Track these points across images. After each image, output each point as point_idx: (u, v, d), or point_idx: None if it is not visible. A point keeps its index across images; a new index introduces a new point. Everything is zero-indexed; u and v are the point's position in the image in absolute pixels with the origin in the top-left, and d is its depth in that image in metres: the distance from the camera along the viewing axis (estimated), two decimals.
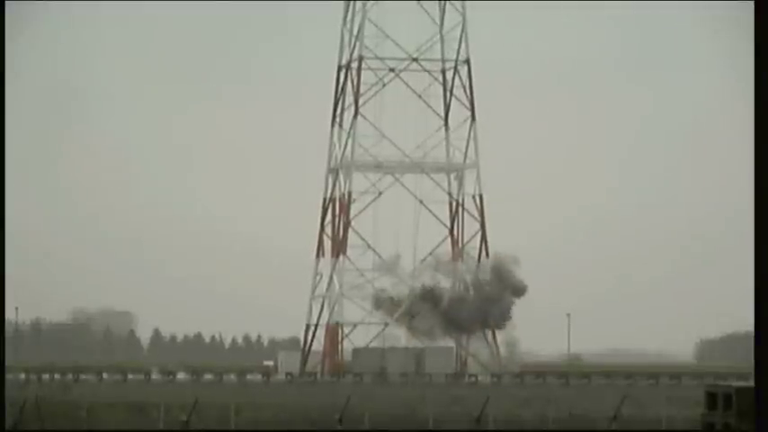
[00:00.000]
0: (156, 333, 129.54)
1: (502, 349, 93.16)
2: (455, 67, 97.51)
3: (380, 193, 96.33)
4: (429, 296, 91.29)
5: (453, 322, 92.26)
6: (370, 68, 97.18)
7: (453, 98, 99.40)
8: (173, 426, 40.29)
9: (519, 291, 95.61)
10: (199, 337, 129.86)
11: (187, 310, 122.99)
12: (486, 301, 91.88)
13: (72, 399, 57.71)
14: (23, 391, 60.28)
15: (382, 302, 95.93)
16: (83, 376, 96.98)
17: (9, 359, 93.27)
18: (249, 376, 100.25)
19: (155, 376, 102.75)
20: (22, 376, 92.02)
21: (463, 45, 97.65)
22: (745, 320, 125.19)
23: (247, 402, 53.50)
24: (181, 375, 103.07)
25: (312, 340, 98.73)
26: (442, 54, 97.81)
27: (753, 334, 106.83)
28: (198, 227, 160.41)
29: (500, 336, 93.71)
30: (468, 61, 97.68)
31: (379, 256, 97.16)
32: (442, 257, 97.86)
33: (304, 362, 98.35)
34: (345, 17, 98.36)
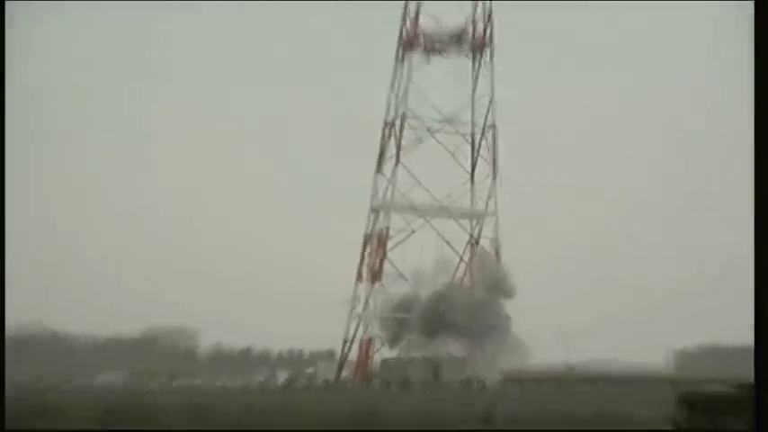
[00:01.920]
0: (218, 347, 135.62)
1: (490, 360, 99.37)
2: (483, 131, 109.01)
3: (413, 231, 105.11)
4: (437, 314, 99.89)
5: (459, 335, 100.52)
6: (410, 127, 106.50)
7: (480, 157, 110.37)
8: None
9: (509, 294, 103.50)
10: (248, 350, 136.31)
11: (243, 327, 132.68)
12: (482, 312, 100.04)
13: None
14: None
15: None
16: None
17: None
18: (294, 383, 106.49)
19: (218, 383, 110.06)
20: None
21: (491, 112, 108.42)
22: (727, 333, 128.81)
23: (290, 405, 56.17)
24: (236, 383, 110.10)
25: (347, 352, 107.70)
26: (472, 119, 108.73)
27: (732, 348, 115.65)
28: (260, 256, 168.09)
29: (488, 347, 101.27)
30: (494, 126, 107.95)
31: (409, 284, 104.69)
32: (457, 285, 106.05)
33: (339, 370, 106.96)
34: (393, 82, 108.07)
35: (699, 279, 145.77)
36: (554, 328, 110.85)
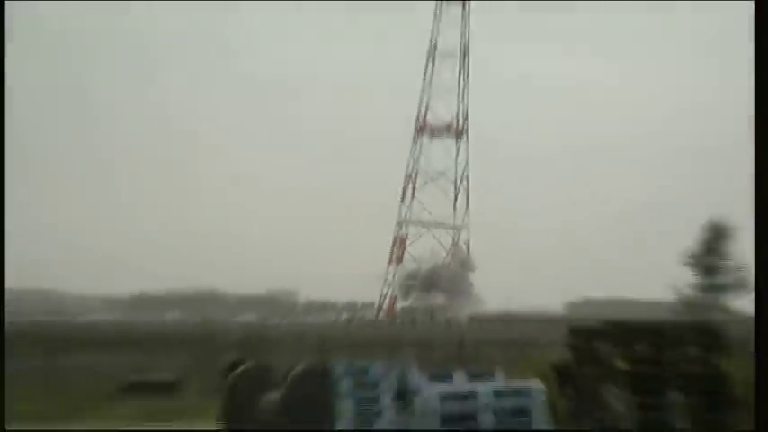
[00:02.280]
0: (310, 301, 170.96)
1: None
2: (460, 181, 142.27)
3: (420, 236, 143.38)
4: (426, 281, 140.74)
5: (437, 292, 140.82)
6: (421, 176, 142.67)
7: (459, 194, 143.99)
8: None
9: (472, 269, 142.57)
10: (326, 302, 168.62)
11: (324, 288, 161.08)
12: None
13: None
14: None
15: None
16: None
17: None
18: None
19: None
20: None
21: (465, 170, 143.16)
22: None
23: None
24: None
25: (382, 303, 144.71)
26: (455, 174, 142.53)
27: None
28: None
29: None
30: (466, 177, 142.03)
31: (416, 264, 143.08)
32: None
33: (377, 313, 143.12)
34: (411, 152, 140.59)
35: None
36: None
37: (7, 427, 18.68)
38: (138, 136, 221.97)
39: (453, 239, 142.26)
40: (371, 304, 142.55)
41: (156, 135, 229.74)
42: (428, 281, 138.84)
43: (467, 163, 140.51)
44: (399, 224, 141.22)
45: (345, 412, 17.65)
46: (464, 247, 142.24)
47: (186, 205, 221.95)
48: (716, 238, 63.21)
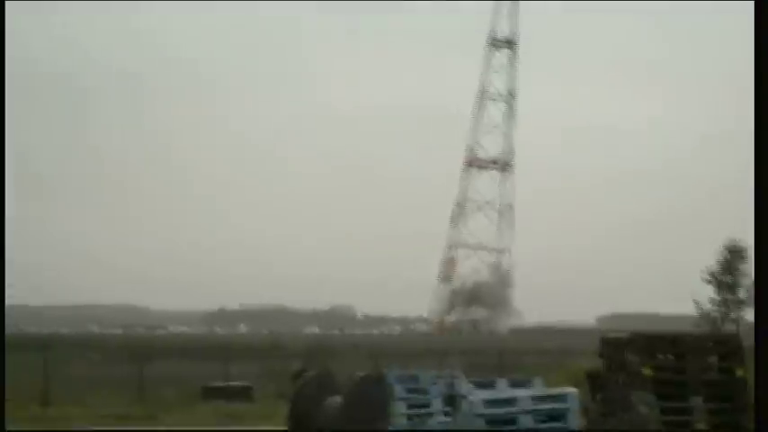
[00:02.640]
0: (367, 315, 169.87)
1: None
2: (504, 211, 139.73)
3: (468, 257, 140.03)
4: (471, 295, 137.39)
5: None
6: (470, 204, 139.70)
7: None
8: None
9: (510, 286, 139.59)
10: (382, 316, 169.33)
11: (380, 304, 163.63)
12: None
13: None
14: None
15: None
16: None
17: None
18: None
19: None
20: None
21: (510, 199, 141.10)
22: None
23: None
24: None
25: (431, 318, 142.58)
26: (498, 203, 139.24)
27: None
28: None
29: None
30: (511, 206, 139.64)
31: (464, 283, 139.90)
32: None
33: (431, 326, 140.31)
34: (460, 183, 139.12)
35: None
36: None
37: (7, 428, 18.29)
38: (209, 165, 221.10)
39: (496, 260, 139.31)
40: (423, 318, 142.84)
41: (235, 160, 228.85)
42: (472, 296, 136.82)
43: (511, 192, 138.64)
44: (449, 247, 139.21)
45: (399, 415, 17.70)
46: (505, 266, 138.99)
47: (260, 233, 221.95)
48: (733, 257, 63.16)
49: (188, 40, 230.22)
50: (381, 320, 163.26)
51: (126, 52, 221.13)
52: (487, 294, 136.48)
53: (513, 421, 17.46)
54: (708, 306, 63.72)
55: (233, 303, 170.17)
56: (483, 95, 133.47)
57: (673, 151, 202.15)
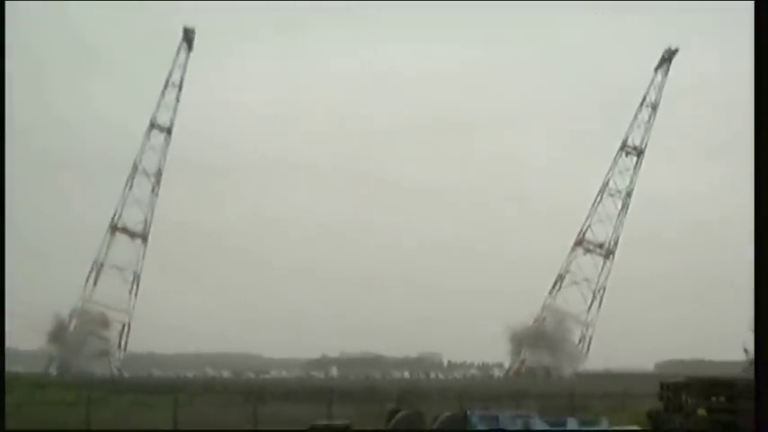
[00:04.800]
0: (451, 363, 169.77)
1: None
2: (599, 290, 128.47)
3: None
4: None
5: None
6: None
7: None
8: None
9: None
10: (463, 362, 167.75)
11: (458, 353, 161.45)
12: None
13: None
14: None
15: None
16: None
17: None
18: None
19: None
20: None
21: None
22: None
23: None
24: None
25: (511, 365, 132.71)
26: (597, 282, 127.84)
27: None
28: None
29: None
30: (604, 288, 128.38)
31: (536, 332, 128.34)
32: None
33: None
34: (568, 256, 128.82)
35: None
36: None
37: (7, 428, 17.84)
38: (306, 241, 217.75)
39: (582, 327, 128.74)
40: (500, 364, 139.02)
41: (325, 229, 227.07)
42: (539, 344, 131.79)
43: (607, 276, 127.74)
44: (542, 309, 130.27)
45: None
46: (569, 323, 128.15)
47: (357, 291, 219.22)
48: None
49: None
50: (465, 365, 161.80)
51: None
52: (551, 342, 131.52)
53: None
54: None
55: (333, 351, 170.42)
56: (604, 190, 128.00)
57: None
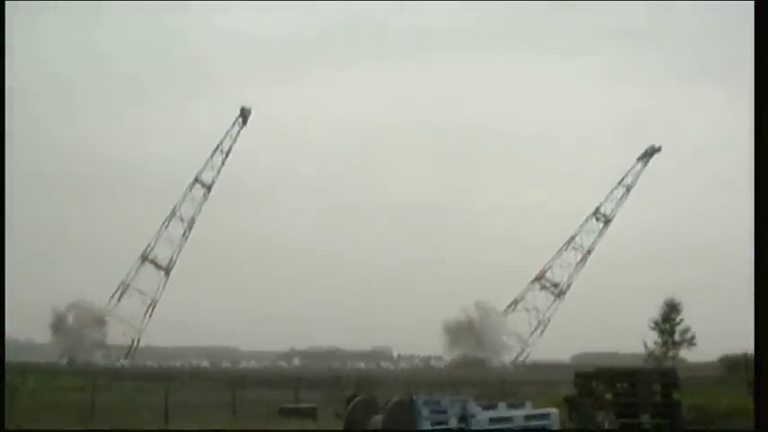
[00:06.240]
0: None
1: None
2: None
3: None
4: None
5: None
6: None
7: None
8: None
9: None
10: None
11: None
12: None
13: None
14: None
15: None
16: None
17: None
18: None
19: None
20: None
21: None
22: None
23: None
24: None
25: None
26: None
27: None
28: None
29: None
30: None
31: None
32: None
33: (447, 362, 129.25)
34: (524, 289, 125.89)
35: None
36: None
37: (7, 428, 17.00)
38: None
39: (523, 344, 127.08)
40: (441, 357, 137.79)
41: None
42: (471, 336, 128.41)
43: (555, 312, 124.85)
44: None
45: (425, 430, 17.58)
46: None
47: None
48: (670, 310, 63.36)
49: None
50: (410, 358, 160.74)
51: None
52: (487, 339, 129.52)
53: None
54: (652, 347, 63.79)
55: (301, 345, 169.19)
56: (570, 243, 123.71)
57: None
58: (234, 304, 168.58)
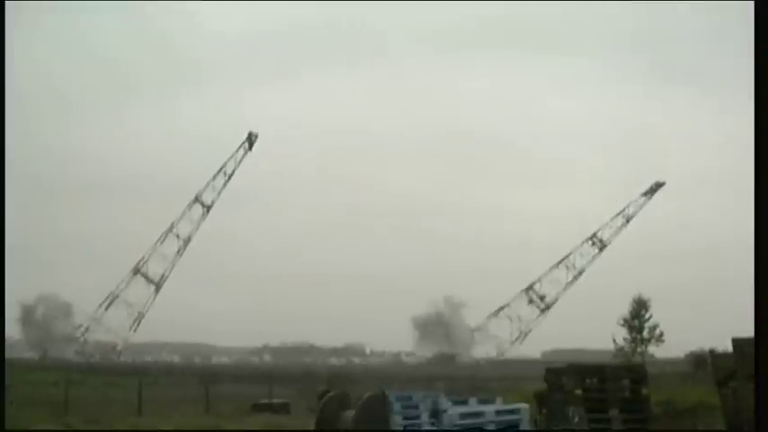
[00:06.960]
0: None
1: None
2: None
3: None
4: None
5: None
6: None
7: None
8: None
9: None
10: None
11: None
12: None
13: None
14: None
15: None
16: None
17: None
18: None
19: None
20: None
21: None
22: None
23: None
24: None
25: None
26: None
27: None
28: None
29: None
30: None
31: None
32: None
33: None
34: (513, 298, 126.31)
35: None
36: None
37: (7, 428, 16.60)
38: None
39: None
40: (413, 353, 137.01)
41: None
42: (440, 332, 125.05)
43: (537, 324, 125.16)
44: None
45: (397, 425, 17.62)
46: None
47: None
48: (638, 307, 63.92)
49: None
50: (382, 354, 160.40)
51: None
52: (456, 334, 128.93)
53: (481, 429, 17.52)
54: (622, 343, 64.24)
55: (274, 341, 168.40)
56: (563, 261, 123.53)
57: None
58: (207, 301, 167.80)
